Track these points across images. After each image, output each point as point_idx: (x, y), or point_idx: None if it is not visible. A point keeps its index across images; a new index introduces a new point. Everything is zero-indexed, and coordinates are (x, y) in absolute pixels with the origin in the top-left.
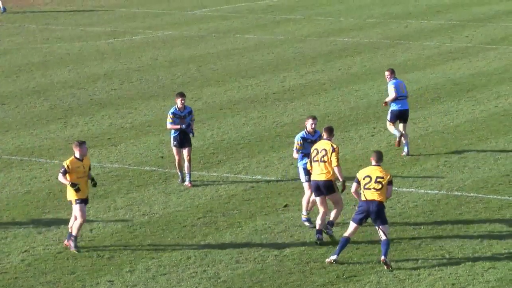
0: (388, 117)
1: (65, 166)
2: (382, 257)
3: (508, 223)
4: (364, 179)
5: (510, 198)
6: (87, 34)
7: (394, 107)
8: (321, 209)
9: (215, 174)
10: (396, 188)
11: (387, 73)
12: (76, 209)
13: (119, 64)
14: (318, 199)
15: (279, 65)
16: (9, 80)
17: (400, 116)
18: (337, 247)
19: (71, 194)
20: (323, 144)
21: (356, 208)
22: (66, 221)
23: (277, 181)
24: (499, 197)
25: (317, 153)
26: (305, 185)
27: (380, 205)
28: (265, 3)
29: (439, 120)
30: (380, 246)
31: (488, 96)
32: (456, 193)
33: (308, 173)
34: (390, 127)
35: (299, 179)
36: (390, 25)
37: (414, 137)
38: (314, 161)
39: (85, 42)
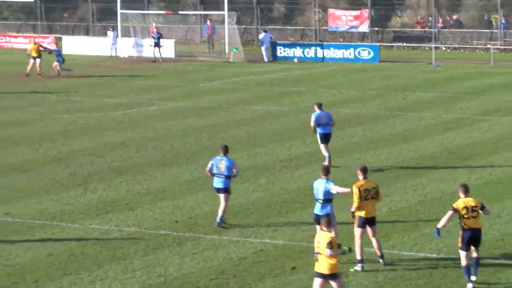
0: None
1: None
2: (474, 277)
3: (503, 286)
4: (462, 210)
5: (505, 261)
6: (105, 105)
7: (319, 131)
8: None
9: (226, 237)
10: (397, 252)
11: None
12: None
13: (135, 133)
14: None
15: (285, 134)
16: (32, 148)
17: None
18: (468, 274)
19: None
20: (368, 184)
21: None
22: (87, 283)
23: (284, 244)
24: (494, 260)
25: (369, 193)
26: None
27: (481, 231)
28: (271, 77)
29: (437, 187)
30: (471, 266)
31: (482, 165)
32: (454, 256)
33: None
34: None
35: (306, 243)
36: (389, 97)
37: (413, 203)
38: (364, 200)
39: (103, 113)
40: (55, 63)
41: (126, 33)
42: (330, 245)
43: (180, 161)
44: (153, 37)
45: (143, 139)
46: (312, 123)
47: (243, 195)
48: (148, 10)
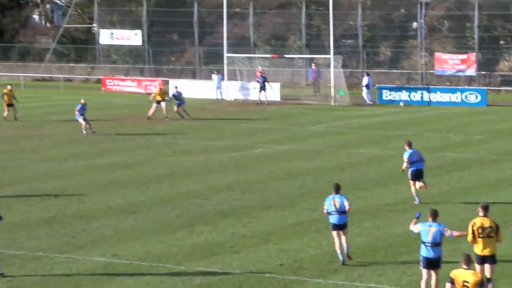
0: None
1: None
2: None
3: None
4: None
5: None
6: (211, 147)
7: (411, 168)
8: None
9: (331, 281)
10: None
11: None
12: None
13: (241, 176)
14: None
15: (391, 178)
16: (139, 190)
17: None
18: None
19: None
20: (485, 221)
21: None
22: None
23: None
24: None
25: (483, 231)
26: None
27: None
28: (376, 120)
29: None
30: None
31: None
32: None
33: None
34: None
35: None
36: (497, 142)
37: None
38: (480, 238)
39: (209, 155)
40: (175, 107)
41: (232, 76)
42: (481, 284)
43: (285, 204)
44: (258, 81)
45: (248, 181)
46: (405, 163)
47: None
48: (254, 53)
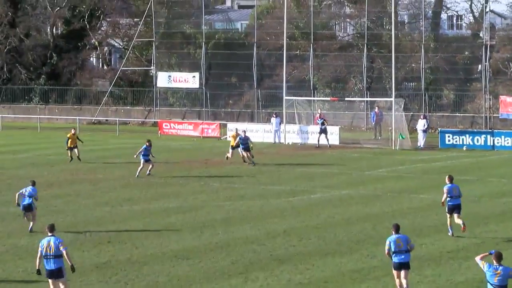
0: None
1: None
2: None
3: None
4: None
5: None
6: (268, 192)
7: (449, 203)
8: None
9: None
10: None
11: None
12: None
13: (298, 222)
14: None
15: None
16: (194, 235)
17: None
18: None
19: None
20: None
21: None
22: None
23: None
24: None
25: None
26: None
27: None
28: (439, 164)
29: None
30: None
31: None
32: None
33: None
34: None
35: None
36: None
37: None
38: None
39: (265, 200)
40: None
41: (290, 120)
42: None
43: (343, 251)
44: (318, 123)
45: (305, 227)
46: (444, 196)
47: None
48: (314, 96)
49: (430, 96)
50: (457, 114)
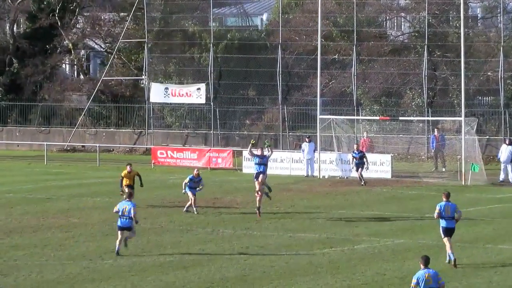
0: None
1: None
2: None
3: None
4: None
5: None
6: (297, 241)
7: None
8: None
9: None
10: None
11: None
12: None
13: (338, 280)
14: None
15: None
16: None
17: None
18: None
19: None
20: None
21: None
22: None
23: None
24: None
25: None
26: None
27: None
28: None
29: None
30: None
31: None
32: None
33: None
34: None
35: None
36: None
37: None
38: None
39: (294, 252)
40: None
41: (327, 145)
42: None
43: None
44: (354, 156)
45: (348, 286)
46: (435, 214)
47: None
48: (358, 115)
49: (511, 114)
50: None
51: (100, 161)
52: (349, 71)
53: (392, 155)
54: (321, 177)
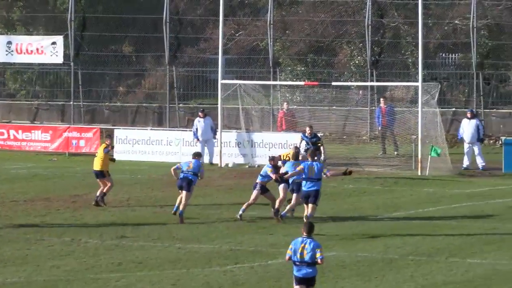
0: None
1: None
2: None
3: None
4: None
5: None
6: (188, 255)
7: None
8: None
9: None
10: None
11: None
12: None
13: None
14: None
15: None
16: None
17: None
18: None
19: None
20: None
21: None
22: None
23: None
24: None
25: None
26: None
27: None
28: (501, 203)
29: None
30: None
31: None
32: None
33: None
34: None
35: None
36: None
37: None
38: None
39: (184, 269)
40: None
41: (231, 122)
42: None
43: None
44: (303, 139)
45: None
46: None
47: None
48: (276, 79)
49: (487, 78)
50: None
51: None
52: (263, 18)
53: (322, 134)
54: (223, 165)
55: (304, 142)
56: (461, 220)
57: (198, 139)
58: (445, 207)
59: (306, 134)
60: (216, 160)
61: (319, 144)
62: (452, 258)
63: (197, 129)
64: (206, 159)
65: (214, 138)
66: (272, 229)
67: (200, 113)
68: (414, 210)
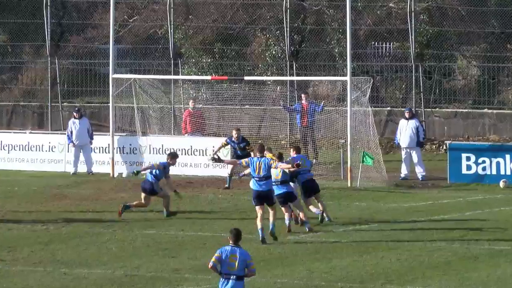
0: None
1: None
2: None
3: None
4: None
5: None
6: (76, 282)
7: None
8: None
9: None
10: None
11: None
12: None
13: None
14: None
15: None
16: None
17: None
18: None
19: None
20: None
21: None
22: None
23: None
24: None
25: None
26: None
27: None
28: (442, 220)
29: None
30: None
31: None
32: None
33: None
34: None
35: None
36: None
37: None
38: None
39: None
40: None
41: (124, 124)
42: None
43: None
44: (230, 144)
45: None
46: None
47: None
48: (178, 73)
49: (428, 71)
50: (485, 110)
51: None
52: (161, 0)
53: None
54: (115, 175)
55: (230, 148)
56: (399, 239)
57: (73, 144)
58: (380, 224)
59: (233, 139)
60: (105, 170)
61: (249, 150)
62: (389, 285)
63: (71, 132)
64: (83, 168)
65: (91, 143)
66: (174, 251)
67: (74, 113)
68: (343, 228)
